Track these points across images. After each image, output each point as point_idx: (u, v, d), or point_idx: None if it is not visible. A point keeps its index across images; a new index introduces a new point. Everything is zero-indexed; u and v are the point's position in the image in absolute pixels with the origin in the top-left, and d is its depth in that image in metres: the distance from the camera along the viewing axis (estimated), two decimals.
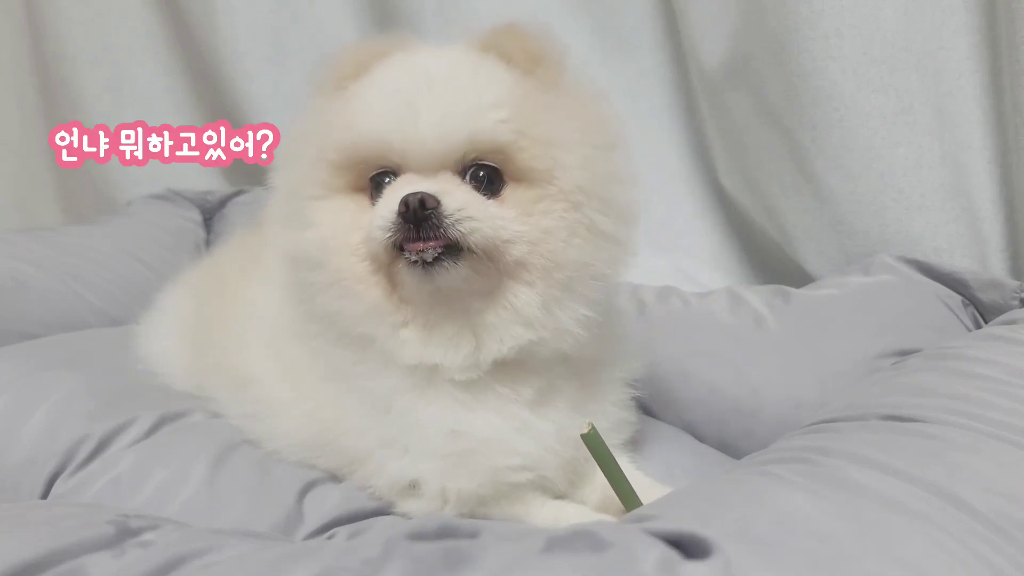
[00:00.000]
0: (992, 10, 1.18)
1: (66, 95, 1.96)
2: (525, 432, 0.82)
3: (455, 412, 0.81)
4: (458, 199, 0.76)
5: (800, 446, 0.73)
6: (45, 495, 0.90)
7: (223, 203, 1.86)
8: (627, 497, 0.77)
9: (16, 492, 0.91)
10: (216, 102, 1.91)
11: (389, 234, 0.76)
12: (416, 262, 0.76)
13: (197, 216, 1.84)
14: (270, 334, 0.92)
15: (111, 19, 1.92)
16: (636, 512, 0.64)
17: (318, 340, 0.86)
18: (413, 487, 0.82)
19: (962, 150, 1.23)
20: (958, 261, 1.23)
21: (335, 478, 0.88)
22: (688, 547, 0.55)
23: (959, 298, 1.15)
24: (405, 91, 0.78)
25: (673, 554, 0.54)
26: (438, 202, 0.75)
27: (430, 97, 0.77)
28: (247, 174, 1.91)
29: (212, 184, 1.94)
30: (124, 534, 0.65)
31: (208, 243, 1.78)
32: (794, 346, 1.11)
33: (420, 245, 0.76)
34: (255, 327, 0.94)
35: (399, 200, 0.75)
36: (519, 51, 0.82)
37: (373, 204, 0.80)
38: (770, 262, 1.54)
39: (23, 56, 2.04)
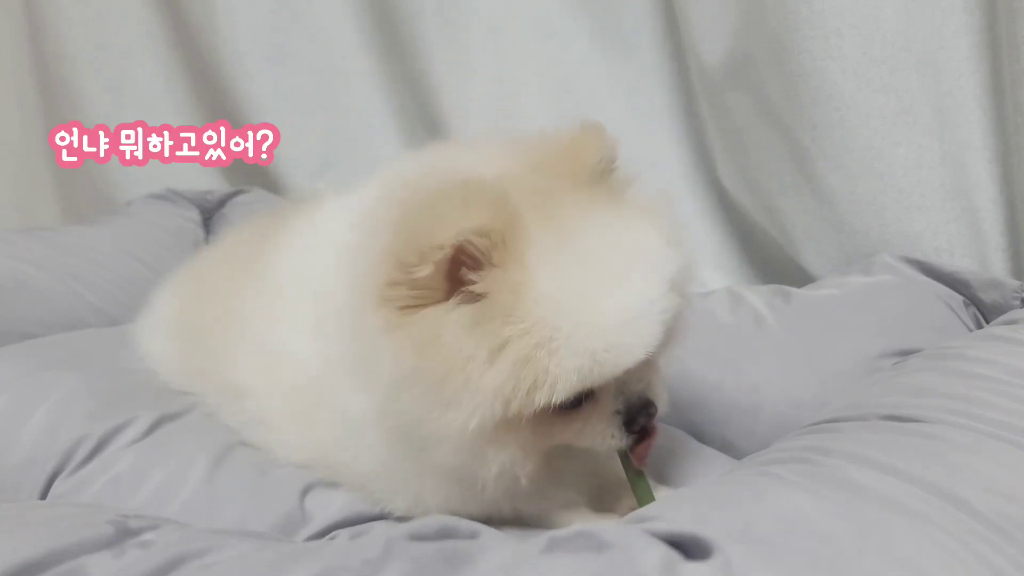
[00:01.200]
0: (992, 10, 1.18)
1: (66, 95, 1.95)
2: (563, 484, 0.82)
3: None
4: (661, 398, 0.77)
5: (800, 446, 0.73)
6: (45, 495, 0.90)
7: (223, 203, 1.86)
8: (643, 496, 0.78)
9: (16, 492, 0.91)
10: (216, 102, 1.91)
11: (617, 445, 0.75)
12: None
13: (197, 216, 1.84)
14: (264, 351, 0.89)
15: (111, 19, 1.92)
16: (637, 513, 0.64)
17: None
18: (427, 510, 0.81)
19: (962, 150, 1.23)
20: (958, 261, 1.23)
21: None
22: (689, 548, 0.55)
23: (960, 298, 1.15)
24: (631, 320, 0.70)
25: (674, 555, 0.54)
26: (657, 407, 0.76)
27: (650, 326, 0.71)
28: (247, 174, 1.91)
29: (212, 184, 1.94)
30: (124, 534, 0.65)
31: (208, 243, 1.78)
32: (794, 346, 1.11)
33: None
34: (246, 342, 0.91)
35: (624, 411, 0.74)
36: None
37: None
38: (770, 262, 1.54)
39: (23, 56, 2.04)
